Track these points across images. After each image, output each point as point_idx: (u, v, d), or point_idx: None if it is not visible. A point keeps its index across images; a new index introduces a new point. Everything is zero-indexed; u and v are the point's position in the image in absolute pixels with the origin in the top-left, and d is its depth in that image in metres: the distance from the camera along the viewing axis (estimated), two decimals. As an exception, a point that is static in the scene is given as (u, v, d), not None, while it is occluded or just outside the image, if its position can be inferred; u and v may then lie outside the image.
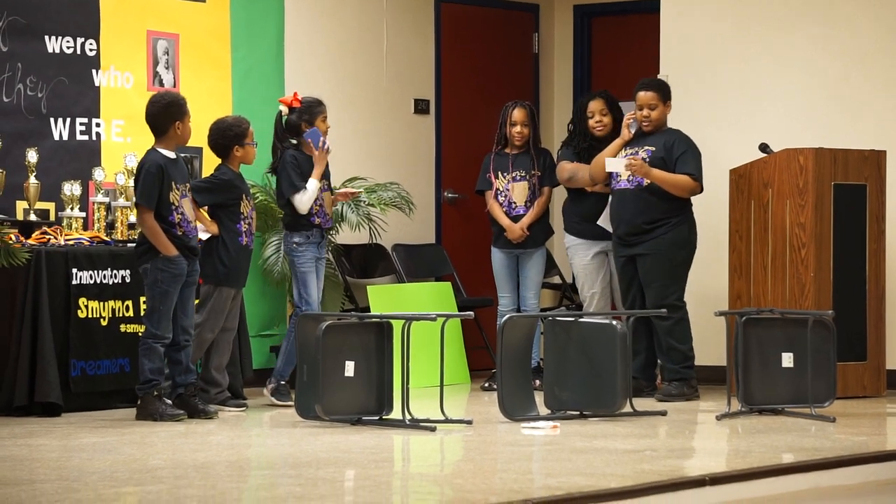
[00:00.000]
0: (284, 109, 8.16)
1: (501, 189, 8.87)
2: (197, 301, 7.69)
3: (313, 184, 8.03)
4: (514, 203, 8.86)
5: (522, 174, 8.87)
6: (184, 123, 7.41)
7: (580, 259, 8.84)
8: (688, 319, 8.32)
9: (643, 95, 8.38)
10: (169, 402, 7.34)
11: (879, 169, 8.48)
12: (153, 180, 7.30)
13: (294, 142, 8.13)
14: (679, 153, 8.26)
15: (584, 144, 8.80)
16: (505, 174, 8.89)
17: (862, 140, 8.68)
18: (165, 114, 7.39)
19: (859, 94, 8.94)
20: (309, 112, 8.13)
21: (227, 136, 7.84)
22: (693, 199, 8.44)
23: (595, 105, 8.79)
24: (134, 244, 8.00)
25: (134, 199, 7.46)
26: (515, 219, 8.85)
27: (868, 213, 8.44)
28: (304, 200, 8.03)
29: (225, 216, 7.80)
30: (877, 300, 8.46)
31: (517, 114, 8.87)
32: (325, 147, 8.07)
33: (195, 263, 7.47)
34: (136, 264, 7.44)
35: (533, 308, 8.86)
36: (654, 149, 8.32)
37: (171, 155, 7.42)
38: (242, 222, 7.82)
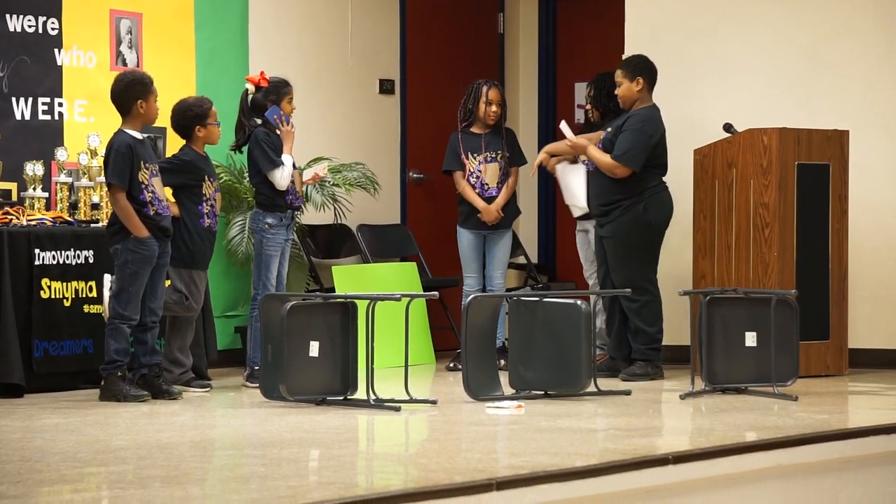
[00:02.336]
0: (251, 88, 8.13)
1: (473, 170, 8.86)
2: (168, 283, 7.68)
3: (288, 159, 8.03)
4: (487, 185, 8.87)
5: (493, 155, 8.87)
6: (147, 102, 7.37)
7: (577, 238, 8.89)
8: (657, 301, 8.30)
9: (616, 73, 8.40)
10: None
11: (842, 149, 8.51)
12: (124, 160, 7.27)
13: (259, 121, 8.11)
14: (622, 133, 8.25)
15: None
16: (476, 155, 8.88)
17: (829, 119, 8.71)
18: (128, 92, 7.35)
19: (825, 73, 8.97)
20: (276, 92, 8.11)
21: (188, 116, 7.81)
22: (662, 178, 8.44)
23: (495, 94, 8.90)
24: (97, 224, 7.98)
25: (105, 180, 7.42)
26: (488, 200, 8.85)
27: (831, 193, 8.48)
28: (283, 176, 8.02)
29: (186, 198, 7.77)
30: (839, 279, 8.51)
31: (494, 93, 8.87)
32: (289, 123, 8.06)
33: (167, 245, 7.45)
34: (108, 245, 7.42)
35: (499, 288, 8.87)
36: (610, 130, 8.35)
37: (138, 135, 7.40)
38: (204, 204, 7.79)
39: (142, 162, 7.33)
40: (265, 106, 8.07)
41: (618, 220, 8.22)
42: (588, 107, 8.90)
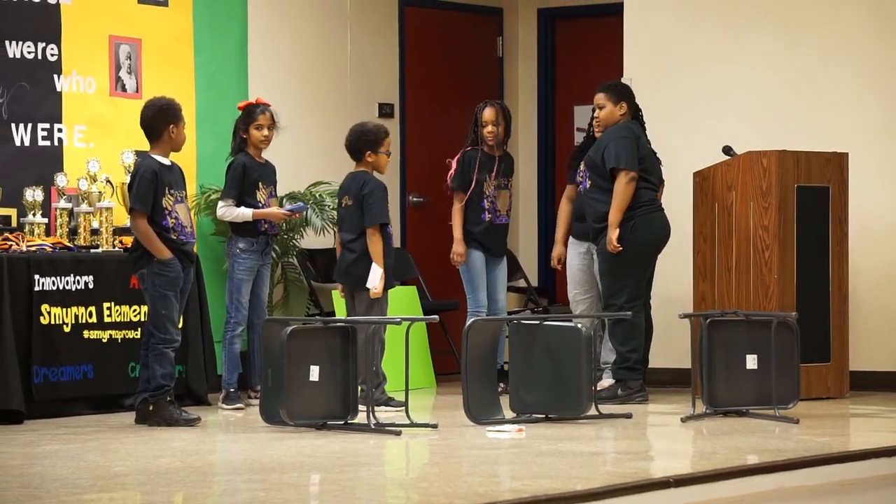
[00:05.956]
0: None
1: (488, 194, 8.81)
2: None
3: (245, 213, 8.06)
4: (499, 211, 8.84)
5: (505, 182, 8.86)
6: (178, 128, 7.39)
7: (569, 258, 8.82)
8: (634, 322, 8.18)
9: (595, 97, 8.43)
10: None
11: (842, 171, 8.52)
12: (148, 185, 7.28)
13: (244, 137, 8.21)
14: (603, 148, 8.24)
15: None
16: (493, 178, 8.81)
17: (825, 142, 8.72)
18: (160, 117, 7.36)
19: (822, 95, 8.98)
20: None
21: (363, 140, 7.95)
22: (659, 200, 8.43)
23: (488, 114, 8.74)
24: (96, 249, 7.98)
25: (127, 203, 7.39)
26: (498, 227, 8.79)
27: (831, 215, 8.48)
28: (226, 213, 8.14)
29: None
30: (840, 302, 8.50)
31: (489, 113, 8.79)
32: (292, 213, 8.30)
33: (190, 271, 7.43)
34: (132, 270, 7.42)
35: (504, 310, 8.86)
36: (590, 154, 8.36)
37: (166, 161, 7.39)
38: None
39: (166, 188, 7.33)
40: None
41: (607, 237, 8.20)
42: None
